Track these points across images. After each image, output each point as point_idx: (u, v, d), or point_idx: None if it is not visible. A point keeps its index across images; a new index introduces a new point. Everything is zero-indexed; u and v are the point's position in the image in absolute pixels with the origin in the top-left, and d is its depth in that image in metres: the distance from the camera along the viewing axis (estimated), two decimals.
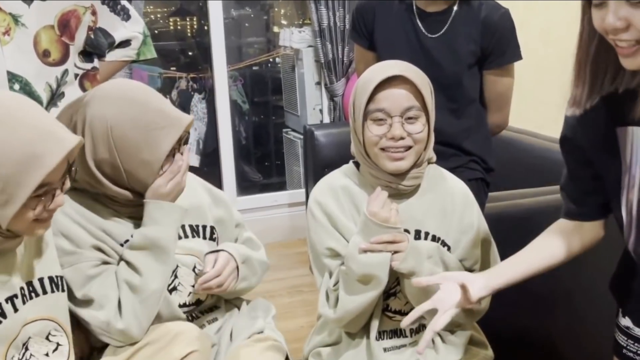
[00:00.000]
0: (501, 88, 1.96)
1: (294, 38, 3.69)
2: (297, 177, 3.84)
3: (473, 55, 1.89)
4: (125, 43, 1.88)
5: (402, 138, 1.42)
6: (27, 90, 1.66)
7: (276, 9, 4.31)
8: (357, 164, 1.54)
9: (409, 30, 1.89)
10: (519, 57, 1.93)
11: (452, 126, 1.89)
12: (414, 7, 1.89)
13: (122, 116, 1.33)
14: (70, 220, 1.35)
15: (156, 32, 4.03)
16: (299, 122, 3.79)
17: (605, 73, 1.09)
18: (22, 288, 1.22)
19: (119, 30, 1.84)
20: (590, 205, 1.26)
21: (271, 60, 4.22)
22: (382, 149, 1.44)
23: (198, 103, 3.84)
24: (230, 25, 4.08)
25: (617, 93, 1.09)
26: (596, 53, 1.08)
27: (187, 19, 4.13)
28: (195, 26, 4.12)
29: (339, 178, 1.54)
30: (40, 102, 1.68)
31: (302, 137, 3.44)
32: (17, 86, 1.64)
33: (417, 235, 1.49)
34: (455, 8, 1.87)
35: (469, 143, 1.95)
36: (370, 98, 1.43)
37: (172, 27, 4.11)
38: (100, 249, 1.37)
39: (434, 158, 1.55)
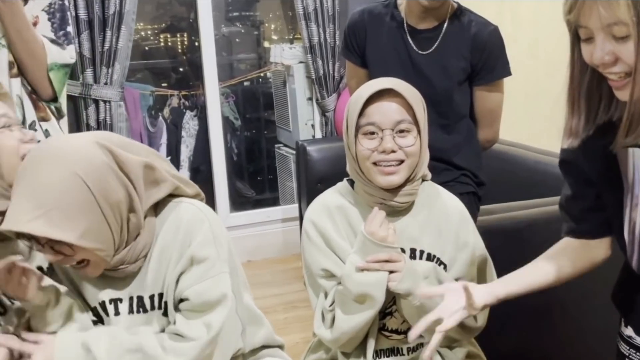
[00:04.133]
0: (491, 104, 1.98)
1: (285, 54, 3.70)
2: (290, 193, 3.85)
3: (463, 71, 1.91)
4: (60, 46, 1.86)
5: (393, 151, 1.42)
6: None
7: (267, 25, 4.34)
8: (351, 182, 1.54)
9: (400, 47, 1.91)
10: (508, 73, 1.95)
11: (443, 142, 1.91)
12: (405, 24, 1.91)
13: None
14: None
15: (147, 48, 4.04)
16: (291, 137, 3.80)
17: (600, 103, 1.10)
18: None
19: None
20: (593, 222, 1.26)
21: (262, 75, 4.23)
22: (374, 163, 1.43)
23: (190, 120, 3.85)
24: (222, 41, 4.10)
25: (612, 121, 1.10)
26: (589, 85, 1.09)
27: (178, 36, 4.14)
28: (186, 42, 4.14)
29: (334, 197, 1.54)
30: None
31: (294, 152, 3.45)
32: None
33: (413, 253, 1.49)
34: (445, 25, 1.89)
35: (460, 158, 1.96)
36: (362, 112, 1.43)
37: (162, 44, 4.12)
38: None
39: (429, 176, 1.55)
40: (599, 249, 1.28)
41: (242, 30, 4.32)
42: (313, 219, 1.50)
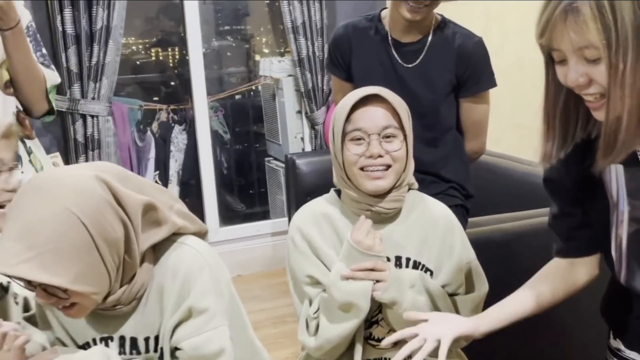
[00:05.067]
0: (477, 115, 1.98)
1: (274, 68, 3.71)
2: (280, 206, 3.83)
3: (449, 84, 1.91)
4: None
5: (380, 156, 1.43)
6: None
7: (257, 38, 4.35)
8: (338, 193, 1.54)
9: (385, 61, 1.91)
10: (493, 84, 1.96)
11: (430, 155, 1.91)
12: (389, 37, 1.91)
13: None
14: None
15: (137, 63, 4.04)
16: (281, 150, 3.79)
17: (577, 123, 1.10)
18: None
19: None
20: (582, 239, 1.26)
21: (253, 88, 4.23)
22: (362, 169, 1.44)
23: (179, 134, 3.83)
24: (211, 55, 4.10)
25: (590, 139, 1.10)
26: (565, 104, 1.09)
27: (169, 50, 4.14)
28: (177, 56, 4.14)
29: (321, 205, 1.54)
30: None
31: (284, 165, 3.45)
32: None
33: (398, 261, 1.49)
34: (429, 38, 1.90)
35: (448, 171, 1.96)
36: (348, 119, 1.45)
37: (152, 58, 4.12)
38: None
39: (416, 185, 1.55)
40: (585, 269, 1.28)
41: (233, 44, 4.32)
42: (299, 225, 1.49)
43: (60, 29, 3.07)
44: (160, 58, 4.13)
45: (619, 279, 1.19)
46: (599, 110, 1.03)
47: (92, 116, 3.17)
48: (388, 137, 1.44)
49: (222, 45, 4.24)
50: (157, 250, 1.25)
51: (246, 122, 4.33)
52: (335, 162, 1.50)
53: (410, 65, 1.90)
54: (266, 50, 4.28)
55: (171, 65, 4.14)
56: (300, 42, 3.51)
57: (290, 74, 3.66)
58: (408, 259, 1.49)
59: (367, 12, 2.04)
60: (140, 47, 4.15)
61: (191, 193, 3.86)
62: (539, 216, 1.95)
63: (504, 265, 1.78)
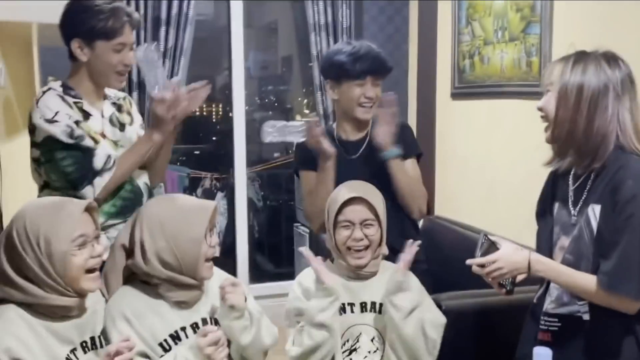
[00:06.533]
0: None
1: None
2: (305, 268, 4.19)
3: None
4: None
5: (361, 239, 1.98)
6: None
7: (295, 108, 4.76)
8: (332, 259, 2.09)
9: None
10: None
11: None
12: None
13: (167, 210, 1.76)
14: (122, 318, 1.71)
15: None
16: None
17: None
18: (83, 342, 1.62)
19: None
20: None
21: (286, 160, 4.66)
22: (348, 248, 1.99)
23: (220, 200, 4.25)
24: (252, 125, 4.51)
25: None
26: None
27: (213, 106, 4.58)
28: (220, 113, 4.57)
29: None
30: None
31: (309, 231, 3.87)
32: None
33: (372, 306, 2.02)
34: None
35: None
36: (339, 211, 2.00)
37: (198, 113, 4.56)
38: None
39: (387, 252, 2.06)
40: None
41: (270, 112, 4.79)
42: (300, 280, 2.07)
43: None
44: (204, 114, 4.51)
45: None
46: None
47: None
48: (367, 225, 1.99)
49: (262, 116, 4.70)
50: None
51: (279, 189, 4.76)
52: (329, 236, 2.04)
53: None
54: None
55: (214, 119, 4.53)
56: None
57: None
58: (373, 303, 2.00)
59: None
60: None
61: (226, 251, 4.22)
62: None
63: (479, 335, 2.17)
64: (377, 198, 2.03)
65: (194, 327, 1.77)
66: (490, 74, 3.33)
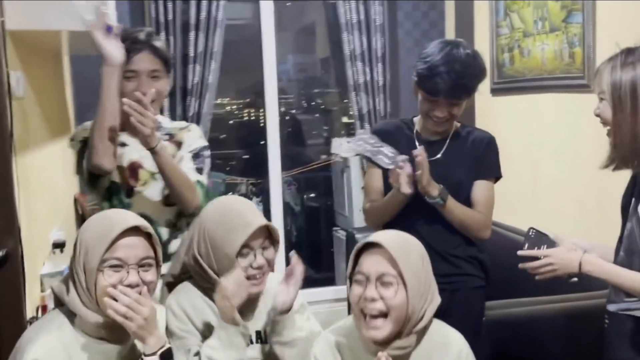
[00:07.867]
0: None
1: (343, 148, 4.05)
2: (344, 274, 4.12)
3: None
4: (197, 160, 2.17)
5: (374, 299, 1.48)
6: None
7: (334, 114, 4.70)
8: None
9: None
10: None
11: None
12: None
13: (211, 218, 1.71)
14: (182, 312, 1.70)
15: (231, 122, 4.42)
16: (346, 222, 4.13)
17: None
18: None
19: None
20: None
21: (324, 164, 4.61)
22: (362, 312, 1.51)
23: (256, 205, 4.23)
24: (289, 129, 4.49)
25: None
26: None
27: (253, 110, 4.59)
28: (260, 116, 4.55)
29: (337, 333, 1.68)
30: (162, 238, 2.05)
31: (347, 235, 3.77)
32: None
33: None
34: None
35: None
36: (356, 260, 1.56)
37: (245, 118, 4.57)
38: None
39: (426, 324, 1.54)
40: None
41: (309, 117, 4.74)
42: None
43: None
44: (252, 117, 4.51)
45: None
46: None
47: None
48: (384, 283, 1.49)
49: (304, 119, 4.66)
50: None
51: (317, 192, 4.70)
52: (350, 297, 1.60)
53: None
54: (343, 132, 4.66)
55: (261, 124, 4.49)
56: (365, 127, 3.86)
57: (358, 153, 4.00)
58: None
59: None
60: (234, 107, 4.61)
61: None
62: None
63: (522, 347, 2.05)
64: (404, 251, 1.52)
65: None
66: (531, 68, 3.17)
